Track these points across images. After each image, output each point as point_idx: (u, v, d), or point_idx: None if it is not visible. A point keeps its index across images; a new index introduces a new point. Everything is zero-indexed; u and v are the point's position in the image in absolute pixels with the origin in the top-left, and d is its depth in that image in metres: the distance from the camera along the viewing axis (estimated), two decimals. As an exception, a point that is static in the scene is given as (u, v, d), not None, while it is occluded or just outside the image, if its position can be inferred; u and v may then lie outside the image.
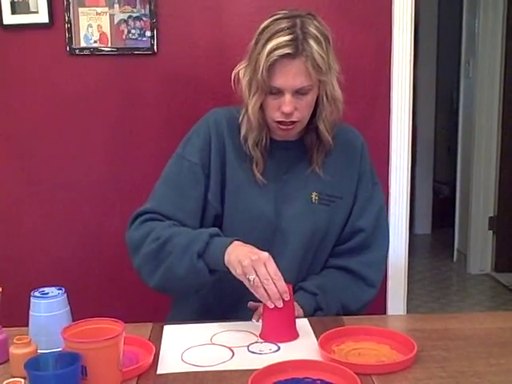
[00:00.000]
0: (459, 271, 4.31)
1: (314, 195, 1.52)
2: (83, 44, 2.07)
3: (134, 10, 2.05)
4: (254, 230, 1.49)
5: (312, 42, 1.38)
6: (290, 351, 1.24)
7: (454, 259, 4.49)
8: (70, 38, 2.06)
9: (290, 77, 1.39)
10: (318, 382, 1.09)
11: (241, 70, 1.49)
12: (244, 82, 1.47)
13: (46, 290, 1.27)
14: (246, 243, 1.36)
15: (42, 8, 2.04)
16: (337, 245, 1.57)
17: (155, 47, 2.08)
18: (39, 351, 1.16)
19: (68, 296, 1.28)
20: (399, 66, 2.12)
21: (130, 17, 2.06)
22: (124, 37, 2.07)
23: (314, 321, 1.39)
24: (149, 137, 2.14)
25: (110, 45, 2.07)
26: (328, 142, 1.52)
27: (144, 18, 2.06)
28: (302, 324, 1.38)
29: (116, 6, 2.05)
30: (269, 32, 1.40)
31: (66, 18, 2.04)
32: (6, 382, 1.06)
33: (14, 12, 2.04)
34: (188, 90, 2.12)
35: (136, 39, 2.07)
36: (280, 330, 1.30)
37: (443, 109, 5.20)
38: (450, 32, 4.86)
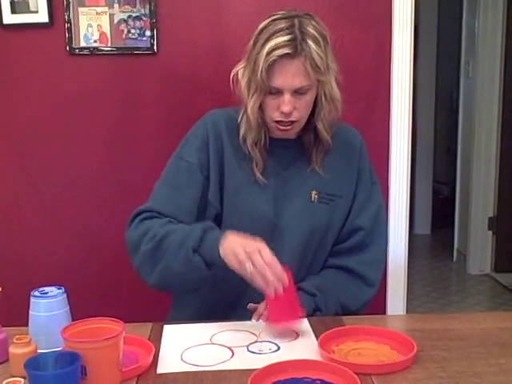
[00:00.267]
0: (459, 271, 4.31)
1: (313, 194, 1.53)
2: (83, 44, 2.07)
3: (134, 10, 2.05)
4: (253, 230, 1.48)
5: (310, 42, 1.39)
6: (289, 351, 1.24)
7: (454, 259, 4.49)
8: (70, 38, 2.06)
9: (289, 77, 1.40)
10: (318, 381, 1.09)
11: (239, 70, 1.50)
12: (243, 82, 1.47)
13: (46, 289, 1.27)
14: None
15: (42, 8, 2.04)
16: (336, 244, 1.57)
17: (155, 47, 2.08)
18: (39, 351, 1.16)
19: (68, 295, 1.28)
20: (399, 66, 2.12)
21: (129, 16, 2.06)
22: (124, 36, 2.07)
23: (314, 321, 1.39)
24: (149, 136, 2.14)
25: (109, 44, 2.07)
26: (327, 141, 1.52)
27: (144, 18, 2.06)
28: (302, 324, 1.38)
29: (116, 5, 2.05)
30: (267, 32, 1.40)
31: (66, 17, 2.04)
32: (5, 381, 1.06)
33: (13, 11, 2.04)
34: (188, 89, 2.12)
35: (136, 39, 2.07)
36: (284, 314, 1.30)
37: (443, 109, 5.20)
38: (450, 32, 4.86)
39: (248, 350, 1.25)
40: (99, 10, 2.05)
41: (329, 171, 1.54)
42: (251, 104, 1.45)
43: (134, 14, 2.05)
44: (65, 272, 2.15)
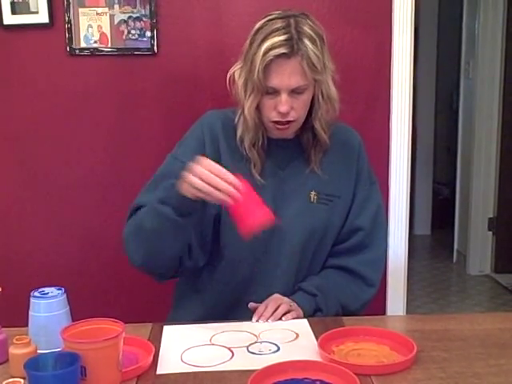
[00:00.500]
0: (459, 272, 4.31)
1: (312, 194, 1.53)
2: (83, 44, 2.07)
3: (134, 11, 2.05)
4: None
5: (307, 42, 1.39)
6: (289, 352, 1.24)
7: (454, 260, 4.49)
8: (70, 39, 2.06)
9: (286, 76, 1.39)
10: (318, 382, 1.09)
11: (236, 71, 1.49)
12: (240, 82, 1.47)
13: (46, 290, 1.27)
14: (243, 243, 1.37)
15: (42, 8, 2.04)
16: (335, 244, 1.57)
17: (155, 48, 2.08)
18: (39, 351, 1.16)
19: (68, 296, 1.28)
20: (399, 67, 2.12)
21: (130, 17, 2.06)
22: (124, 37, 2.07)
23: (314, 321, 1.39)
24: (149, 137, 2.14)
25: (110, 45, 2.07)
26: (324, 141, 1.52)
27: (144, 19, 2.06)
28: (302, 324, 1.38)
29: (116, 6, 2.05)
30: (263, 32, 1.40)
31: (66, 18, 2.04)
32: (5, 382, 1.06)
33: (14, 12, 2.04)
34: (188, 90, 2.12)
35: (136, 39, 2.07)
36: (252, 217, 1.26)
37: (443, 110, 5.20)
38: (450, 33, 4.86)
39: (248, 351, 1.25)
40: (99, 10, 2.05)
41: (327, 171, 1.54)
42: (248, 104, 1.45)
43: (134, 15, 2.05)
44: (65, 272, 2.15)
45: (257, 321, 1.39)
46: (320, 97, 1.47)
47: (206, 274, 1.55)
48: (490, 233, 4.14)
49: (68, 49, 2.07)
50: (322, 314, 1.47)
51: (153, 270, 1.50)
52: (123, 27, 2.06)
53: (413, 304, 3.53)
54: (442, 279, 4.20)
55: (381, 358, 1.20)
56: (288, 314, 1.41)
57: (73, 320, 1.24)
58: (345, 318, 1.41)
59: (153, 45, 2.07)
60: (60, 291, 1.27)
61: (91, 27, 2.06)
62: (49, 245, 2.19)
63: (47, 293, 1.26)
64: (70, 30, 2.05)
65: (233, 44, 2.04)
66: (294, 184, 1.52)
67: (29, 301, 1.25)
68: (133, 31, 2.06)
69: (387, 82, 2.13)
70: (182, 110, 2.10)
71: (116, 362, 1.06)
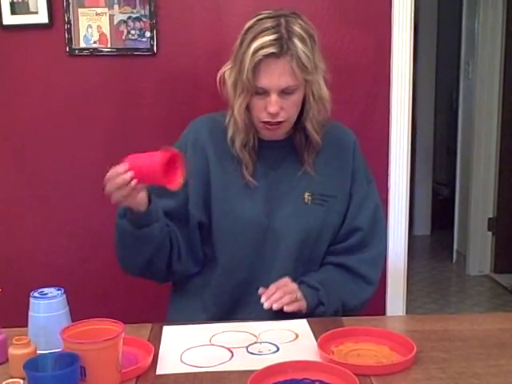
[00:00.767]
0: (458, 272, 4.31)
1: (306, 195, 1.51)
2: (83, 44, 2.07)
3: (134, 11, 2.05)
4: (245, 233, 1.48)
5: (297, 41, 1.37)
6: (289, 352, 1.24)
7: (454, 260, 4.49)
8: (70, 39, 2.06)
9: (275, 76, 1.38)
10: (317, 382, 1.09)
11: (226, 71, 1.48)
12: (229, 83, 1.46)
13: (46, 290, 1.27)
14: (238, 246, 1.42)
15: (42, 8, 2.04)
16: (334, 244, 1.56)
17: (155, 48, 2.07)
18: (38, 352, 1.16)
19: (67, 296, 1.28)
20: (399, 67, 2.12)
21: (129, 17, 2.06)
22: (123, 37, 2.07)
23: (313, 321, 1.39)
24: (148, 137, 2.14)
25: (109, 45, 2.07)
26: (317, 141, 1.51)
27: (144, 19, 2.06)
28: (301, 325, 1.38)
29: (116, 6, 2.05)
30: (253, 32, 1.39)
31: (66, 18, 2.04)
32: (4, 382, 1.06)
33: (13, 12, 2.04)
34: (187, 90, 2.11)
35: (136, 40, 2.07)
36: (154, 170, 1.31)
37: (443, 109, 5.20)
38: (450, 33, 4.86)
39: (247, 351, 1.25)
40: (99, 10, 2.05)
41: (321, 172, 1.53)
42: (238, 105, 1.44)
43: (133, 15, 2.05)
44: (64, 273, 2.15)
45: (265, 301, 1.38)
46: (311, 97, 1.45)
47: (202, 277, 1.55)
48: (490, 233, 4.14)
49: (67, 49, 2.07)
50: (323, 308, 1.46)
51: (142, 276, 1.54)
52: (123, 27, 2.06)
53: (412, 304, 3.53)
54: (442, 279, 4.20)
55: (380, 359, 1.20)
56: (291, 306, 1.40)
57: (72, 320, 1.24)
58: (344, 319, 1.41)
59: (152, 45, 2.07)
60: (59, 292, 1.27)
61: (91, 27, 2.06)
62: (48, 245, 2.18)
63: (47, 293, 1.26)
64: (69, 30, 2.05)
65: (232, 44, 2.03)
66: (287, 185, 1.51)
67: (28, 301, 1.25)
68: (132, 31, 2.06)
69: (387, 81, 2.13)
70: (181, 111, 2.10)
71: (115, 363, 1.06)
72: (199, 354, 1.25)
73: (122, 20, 2.06)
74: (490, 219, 4.12)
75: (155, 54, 2.08)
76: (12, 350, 1.15)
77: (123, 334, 1.07)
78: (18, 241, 2.19)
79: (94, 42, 2.07)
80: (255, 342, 1.30)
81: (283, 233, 1.49)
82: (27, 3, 2.03)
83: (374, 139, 2.15)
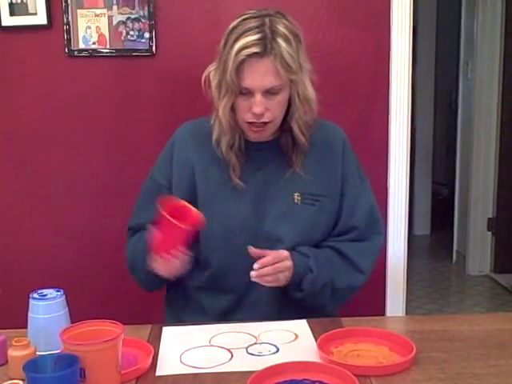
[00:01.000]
0: (458, 272, 4.31)
1: (296, 196, 1.50)
2: (82, 45, 2.07)
3: (133, 12, 2.05)
4: (234, 237, 1.47)
5: (281, 41, 1.36)
6: (288, 353, 1.24)
7: (453, 260, 4.49)
8: (69, 40, 2.06)
9: (259, 76, 1.37)
10: (317, 383, 1.09)
11: (211, 72, 1.47)
12: (214, 84, 1.45)
13: (45, 291, 1.27)
14: (228, 250, 1.45)
15: (41, 9, 2.03)
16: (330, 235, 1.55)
17: (154, 49, 2.07)
18: (38, 353, 1.16)
19: (67, 298, 1.28)
20: (398, 67, 2.12)
21: (128, 18, 2.05)
22: (122, 38, 2.07)
23: (313, 322, 1.39)
24: (148, 138, 2.14)
25: (108, 46, 2.07)
26: (303, 143, 1.49)
27: (142, 20, 2.05)
28: (301, 325, 1.38)
29: (114, 7, 2.05)
30: (237, 32, 1.38)
31: (65, 19, 2.04)
32: (4, 384, 1.06)
33: (12, 13, 2.04)
34: (186, 91, 2.11)
35: (135, 41, 2.07)
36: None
37: (442, 110, 5.20)
38: (449, 33, 4.86)
39: (247, 352, 1.25)
40: (98, 11, 2.05)
41: (311, 171, 1.51)
42: (222, 106, 1.43)
43: (132, 16, 2.05)
44: (64, 274, 2.14)
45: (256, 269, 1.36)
46: (296, 98, 1.44)
47: (197, 281, 1.53)
48: (490, 233, 4.13)
49: (66, 50, 2.07)
50: (312, 275, 1.43)
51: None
52: (122, 28, 2.06)
53: (412, 304, 3.53)
54: (442, 279, 4.20)
55: (380, 359, 1.20)
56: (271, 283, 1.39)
57: (72, 322, 1.24)
58: (344, 319, 1.41)
59: (151, 46, 2.07)
60: (59, 293, 1.27)
61: (90, 28, 2.05)
62: (48, 246, 2.18)
63: (46, 294, 1.26)
64: (68, 31, 2.05)
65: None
66: (275, 186, 1.50)
67: (28, 302, 1.25)
68: (131, 32, 2.06)
69: (386, 82, 2.13)
70: (180, 111, 2.10)
71: (115, 364, 1.06)
72: (199, 354, 1.25)
73: (120, 21, 2.06)
74: (489, 219, 4.12)
75: (154, 54, 2.08)
76: (11, 352, 1.15)
77: (123, 335, 1.06)
78: (18, 242, 2.19)
79: (93, 43, 2.07)
80: (255, 343, 1.30)
81: (274, 234, 1.47)
82: (26, 4, 2.03)
83: (374, 139, 2.15)
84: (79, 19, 2.05)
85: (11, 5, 2.03)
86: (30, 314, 1.25)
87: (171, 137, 1.60)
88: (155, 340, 1.31)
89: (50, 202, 2.17)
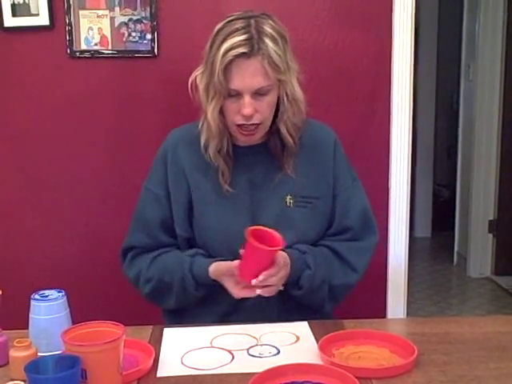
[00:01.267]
0: (459, 274, 4.31)
1: (288, 199, 1.49)
2: (84, 47, 2.07)
3: (135, 13, 2.05)
4: (229, 243, 1.45)
5: (268, 41, 1.36)
6: (289, 355, 1.24)
7: (454, 262, 4.48)
8: (71, 41, 2.06)
9: (247, 77, 1.36)
10: (318, 385, 1.09)
11: (198, 75, 1.46)
12: (201, 87, 1.44)
13: (46, 292, 1.27)
14: (225, 256, 1.42)
15: (43, 10, 2.04)
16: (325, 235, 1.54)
17: (156, 50, 2.07)
18: (39, 354, 1.16)
19: (68, 299, 1.28)
20: (399, 68, 2.12)
21: (130, 19, 2.06)
22: (124, 39, 2.07)
23: (314, 324, 1.39)
24: (149, 139, 2.14)
25: (110, 47, 2.07)
26: (291, 145, 1.48)
27: (144, 21, 2.06)
28: (302, 327, 1.38)
29: (117, 8, 2.05)
30: (223, 33, 1.38)
31: (67, 20, 2.04)
32: (5, 384, 1.06)
33: (14, 14, 2.04)
34: (188, 92, 2.11)
35: (136, 42, 2.07)
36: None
37: (443, 111, 5.20)
38: (451, 35, 4.86)
39: (248, 354, 1.25)
40: (100, 12, 2.05)
41: (302, 173, 1.50)
42: (211, 109, 1.42)
43: (134, 17, 2.05)
44: (65, 275, 2.14)
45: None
46: (285, 98, 1.43)
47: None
48: (491, 235, 4.13)
49: (68, 51, 2.07)
50: (310, 272, 1.43)
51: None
52: (124, 29, 2.06)
53: (413, 306, 3.53)
54: (443, 281, 4.20)
55: (381, 361, 1.20)
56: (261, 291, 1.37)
57: (73, 323, 1.24)
58: (345, 321, 1.41)
59: (153, 47, 2.07)
60: (60, 294, 1.27)
61: (92, 29, 2.06)
62: (49, 247, 2.18)
63: (47, 295, 1.26)
64: (70, 32, 2.05)
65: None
66: (267, 190, 1.49)
67: (29, 303, 1.25)
68: (133, 33, 2.06)
69: (387, 83, 2.13)
70: (182, 112, 2.09)
71: (116, 365, 1.05)
72: (200, 356, 1.25)
73: (122, 22, 2.06)
74: (490, 221, 4.12)
75: (156, 56, 2.08)
76: (13, 353, 1.16)
77: (124, 337, 1.06)
78: (19, 242, 2.19)
79: (95, 44, 2.07)
80: (256, 345, 1.30)
81: None
82: (28, 5, 2.04)
83: (375, 140, 2.15)
84: (81, 20, 2.05)
85: (13, 5, 2.04)
86: (31, 315, 1.25)
87: (161, 145, 1.58)
88: (156, 341, 1.31)
89: (52, 203, 2.17)
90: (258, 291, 1.33)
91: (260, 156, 1.51)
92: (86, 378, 1.01)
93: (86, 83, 2.11)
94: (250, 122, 1.41)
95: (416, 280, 4.05)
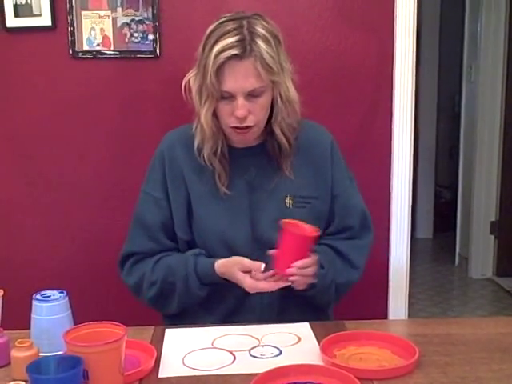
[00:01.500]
0: (461, 275, 4.31)
1: (287, 199, 1.49)
2: (86, 47, 2.07)
3: (137, 14, 2.05)
4: (229, 245, 1.47)
5: (260, 42, 1.35)
6: (291, 355, 1.24)
7: (456, 263, 4.48)
8: (73, 41, 2.06)
9: (240, 79, 1.36)
10: (320, 386, 1.09)
11: (191, 78, 1.46)
12: (194, 89, 1.43)
13: (48, 292, 1.27)
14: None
15: (45, 11, 2.04)
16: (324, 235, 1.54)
17: (158, 50, 2.07)
18: (41, 354, 1.17)
19: (70, 299, 1.28)
20: (401, 70, 2.12)
21: (132, 20, 2.06)
22: (127, 40, 2.07)
23: (316, 325, 1.39)
24: (151, 140, 2.12)
25: (112, 48, 2.07)
26: (286, 146, 1.48)
27: (147, 22, 2.06)
28: (304, 328, 1.38)
29: (119, 9, 2.05)
30: (215, 35, 1.37)
31: (69, 21, 2.04)
32: (7, 385, 1.06)
33: (16, 15, 2.04)
34: (190, 93, 2.11)
35: (139, 42, 2.07)
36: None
37: (445, 113, 5.19)
38: (452, 36, 4.85)
39: (250, 355, 1.25)
40: (102, 13, 2.05)
41: (300, 174, 1.50)
42: (204, 111, 1.41)
43: (136, 18, 2.05)
44: (66, 275, 2.15)
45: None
46: (279, 99, 1.43)
47: None
48: (492, 236, 4.13)
49: (71, 51, 2.07)
50: (323, 271, 1.44)
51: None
52: (126, 30, 2.06)
53: (414, 307, 3.52)
54: (444, 283, 4.19)
55: (382, 362, 1.20)
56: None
57: (75, 323, 1.24)
58: (347, 322, 1.41)
59: (155, 48, 2.07)
60: (62, 294, 1.27)
61: (94, 30, 2.06)
62: (50, 247, 2.18)
63: (49, 296, 1.26)
64: (72, 32, 2.05)
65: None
66: (266, 192, 1.49)
67: (31, 304, 1.25)
68: (135, 34, 2.06)
69: (389, 85, 2.13)
70: (184, 113, 2.09)
71: (118, 366, 1.06)
72: (201, 357, 1.25)
73: (125, 23, 2.06)
74: (492, 222, 4.11)
75: (158, 56, 2.08)
76: (14, 353, 1.16)
77: (126, 337, 1.07)
78: (21, 243, 2.19)
79: (97, 45, 2.07)
80: (257, 346, 1.30)
81: (269, 240, 1.45)
82: (30, 6, 2.04)
83: (377, 142, 2.15)
84: (83, 21, 2.05)
85: (16, 6, 2.04)
86: (33, 315, 1.25)
87: (157, 148, 1.58)
88: (158, 342, 1.31)
89: (54, 204, 2.17)
90: (292, 278, 1.34)
91: (257, 158, 1.50)
92: (87, 378, 1.01)
93: (88, 84, 2.11)
94: (244, 124, 1.40)
95: (417, 281, 4.05)
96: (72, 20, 2.04)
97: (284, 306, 1.49)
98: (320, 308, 1.55)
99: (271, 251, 1.35)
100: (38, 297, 1.26)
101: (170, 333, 1.37)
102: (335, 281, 1.49)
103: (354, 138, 2.11)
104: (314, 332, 1.36)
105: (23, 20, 2.05)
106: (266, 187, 1.49)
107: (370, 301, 2.11)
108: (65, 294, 1.27)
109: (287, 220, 1.33)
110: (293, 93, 1.45)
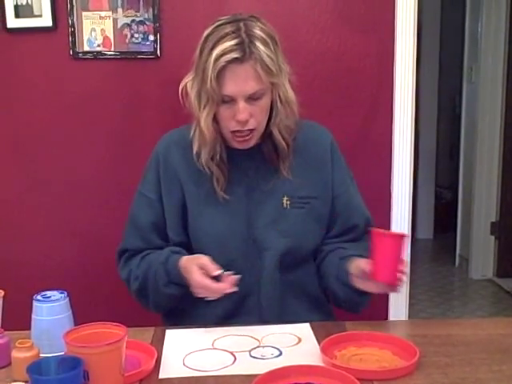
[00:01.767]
0: (461, 276, 4.31)
1: (285, 200, 1.48)
2: (86, 48, 2.07)
3: (138, 14, 2.06)
4: (225, 248, 1.46)
5: (259, 44, 1.34)
6: (291, 356, 1.24)
7: (456, 264, 4.48)
8: (74, 42, 2.06)
9: (241, 82, 1.35)
10: (320, 387, 1.09)
11: (188, 82, 1.45)
12: (192, 94, 1.42)
13: (49, 293, 1.27)
14: (222, 261, 1.38)
15: (46, 12, 2.04)
16: (330, 238, 1.55)
17: (158, 51, 2.08)
18: (41, 355, 1.16)
19: (70, 300, 1.28)
20: (402, 71, 2.12)
21: (133, 21, 2.06)
22: (127, 41, 2.07)
23: (316, 326, 1.39)
24: (151, 140, 2.12)
25: (113, 49, 2.07)
26: (283, 147, 1.47)
27: (147, 23, 2.06)
28: (304, 329, 1.38)
29: (119, 10, 2.05)
30: (213, 39, 1.36)
31: (70, 21, 2.04)
32: (7, 385, 1.06)
33: (17, 16, 2.05)
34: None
35: (139, 43, 2.07)
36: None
37: (446, 114, 5.20)
38: (453, 37, 4.86)
39: (250, 355, 1.25)
40: (103, 14, 2.05)
41: (299, 174, 1.49)
42: (204, 116, 1.39)
43: (137, 19, 2.05)
44: (67, 276, 2.15)
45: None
46: (278, 101, 1.42)
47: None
48: (493, 237, 4.13)
49: (71, 52, 2.07)
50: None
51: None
52: (126, 31, 2.06)
53: (415, 308, 3.52)
54: (445, 283, 4.19)
55: (383, 363, 1.20)
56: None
57: (75, 324, 1.24)
58: (347, 323, 1.41)
59: (156, 48, 2.07)
60: (62, 295, 1.27)
61: (94, 31, 2.06)
62: (51, 248, 2.19)
63: (50, 296, 1.26)
64: (73, 33, 2.05)
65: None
66: (263, 192, 1.48)
67: (31, 304, 1.25)
68: (136, 35, 2.07)
69: (390, 85, 2.13)
70: (184, 114, 2.09)
71: (119, 366, 1.06)
72: (202, 357, 1.25)
73: (125, 23, 2.06)
74: (492, 223, 4.11)
75: (159, 57, 2.09)
76: (15, 353, 1.16)
77: (126, 338, 1.07)
78: (21, 243, 2.19)
79: (98, 46, 2.07)
80: (258, 346, 1.30)
81: (265, 241, 1.46)
82: (31, 6, 2.04)
83: (377, 143, 2.15)
84: (84, 21, 2.06)
85: (16, 7, 2.04)
86: (33, 316, 1.25)
87: (154, 149, 1.57)
88: (158, 342, 1.31)
89: (54, 204, 2.17)
90: (401, 282, 1.32)
91: (255, 159, 1.49)
92: (88, 379, 1.01)
93: (88, 84, 2.11)
94: (246, 128, 1.40)
95: (418, 282, 4.05)
96: (72, 21, 2.05)
97: (284, 308, 1.49)
98: (320, 309, 1.55)
99: (367, 267, 1.32)
100: (39, 297, 1.26)
101: (170, 333, 1.37)
102: None
103: (354, 138, 2.11)
104: (314, 333, 1.35)
105: (24, 21, 2.05)
106: (263, 188, 1.48)
107: (370, 301, 2.11)
108: (65, 294, 1.28)
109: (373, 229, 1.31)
110: (291, 94, 1.44)
